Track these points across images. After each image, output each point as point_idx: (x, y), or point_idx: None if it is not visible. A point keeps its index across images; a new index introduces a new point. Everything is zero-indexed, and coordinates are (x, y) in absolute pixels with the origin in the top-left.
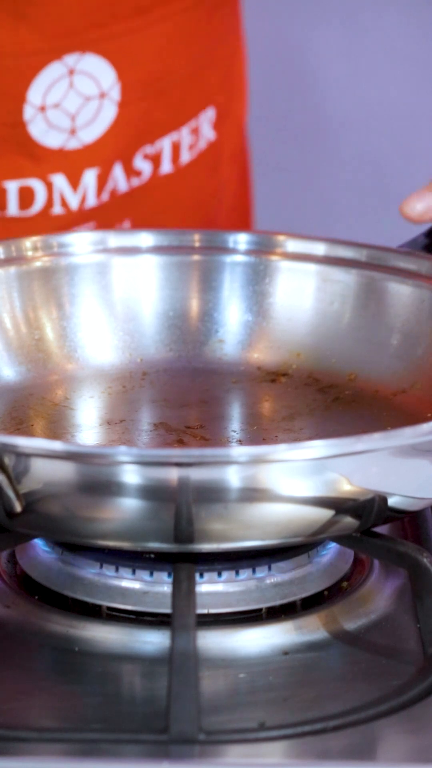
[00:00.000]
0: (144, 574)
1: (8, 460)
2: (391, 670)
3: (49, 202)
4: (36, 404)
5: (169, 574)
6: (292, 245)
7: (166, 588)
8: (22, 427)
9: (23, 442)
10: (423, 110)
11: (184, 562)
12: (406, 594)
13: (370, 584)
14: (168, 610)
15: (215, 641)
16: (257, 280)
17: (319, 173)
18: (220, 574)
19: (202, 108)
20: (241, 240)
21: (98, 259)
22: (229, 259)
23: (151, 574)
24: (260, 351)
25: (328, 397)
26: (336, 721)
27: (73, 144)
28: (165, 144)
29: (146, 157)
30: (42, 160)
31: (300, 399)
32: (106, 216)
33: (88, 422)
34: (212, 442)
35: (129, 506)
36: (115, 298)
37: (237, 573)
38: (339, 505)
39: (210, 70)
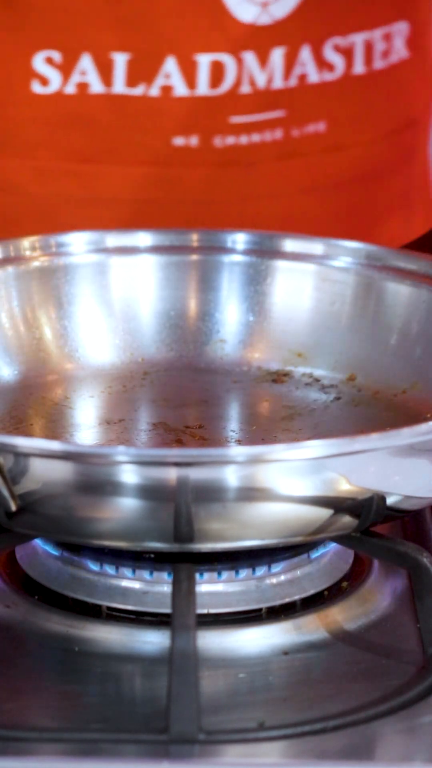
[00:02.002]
0: (144, 574)
1: (4, 460)
2: (391, 670)
3: (238, 80)
4: (36, 403)
5: (169, 574)
6: (292, 245)
7: (166, 588)
8: (22, 426)
9: (22, 441)
10: None
11: (184, 562)
12: (406, 594)
13: (370, 584)
14: (168, 610)
15: (215, 641)
16: (257, 280)
17: None
18: (219, 574)
19: (394, 18)
20: (239, 240)
21: (97, 259)
22: (229, 259)
23: (151, 574)
24: (260, 351)
25: (328, 397)
26: (336, 721)
27: (263, 19)
28: (357, 40)
29: (337, 49)
30: (234, 36)
31: (300, 399)
32: (297, 108)
33: (87, 422)
34: (211, 442)
35: (128, 506)
36: (114, 297)
37: (237, 573)
38: (338, 504)
39: None
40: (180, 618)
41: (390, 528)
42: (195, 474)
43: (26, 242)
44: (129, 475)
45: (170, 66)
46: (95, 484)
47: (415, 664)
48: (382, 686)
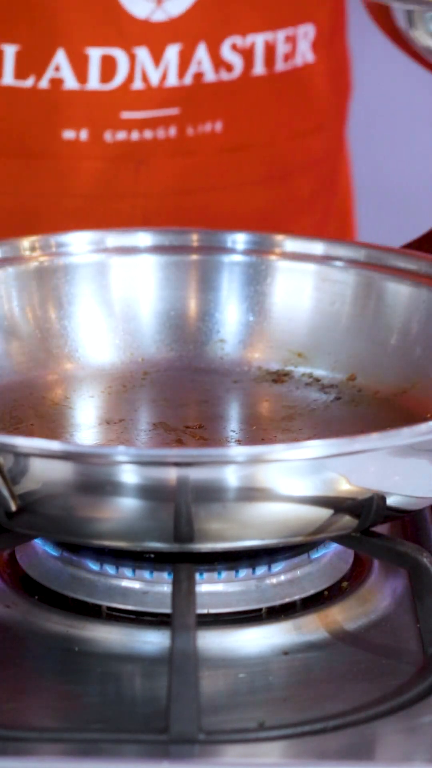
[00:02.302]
0: (144, 574)
1: (4, 460)
2: (391, 670)
3: (131, 76)
4: (36, 403)
5: (169, 574)
6: (291, 245)
7: (166, 588)
8: (22, 426)
9: (22, 441)
10: (424, 109)
11: (184, 562)
12: (406, 594)
13: (370, 584)
14: (168, 610)
15: (215, 641)
16: (257, 280)
17: None
18: (219, 574)
19: (299, 20)
20: (239, 240)
21: (97, 259)
22: (229, 259)
23: (151, 574)
24: (260, 351)
25: (328, 397)
26: (336, 721)
27: (158, 16)
28: (258, 41)
29: (236, 49)
30: (127, 31)
31: (300, 399)
32: (192, 106)
33: (87, 421)
34: (211, 441)
35: (128, 506)
36: (114, 297)
37: (237, 573)
38: (338, 504)
39: None
40: (180, 618)
41: (390, 528)
42: (195, 474)
43: (26, 242)
44: (129, 475)
45: (60, 59)
46: (95, 484)
47: (415, 664)
48: (382, 686)
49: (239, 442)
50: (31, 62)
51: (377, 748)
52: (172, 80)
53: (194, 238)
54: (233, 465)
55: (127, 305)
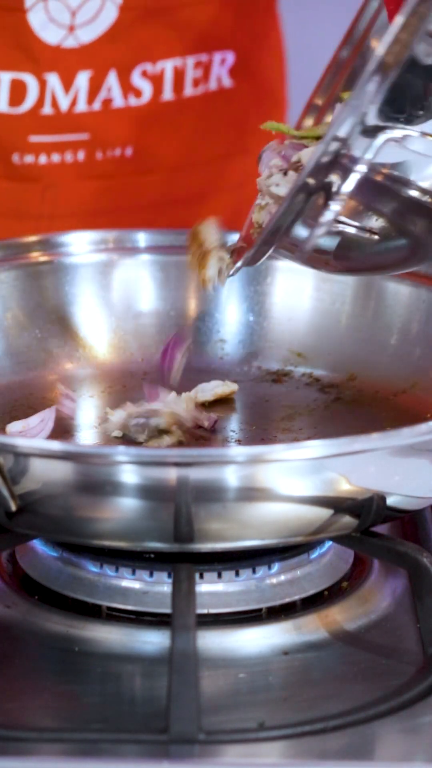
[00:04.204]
0: (144, 574)
1: (4, 460)
2: (391, 670)
3: (41, 101)
4: (36, 403)
5: (169, 574)
6: None
7: (166, 588)
8: None
9: (22, 441)
10: None
11: (184, 562)
12: (406, 594)
13: (370, 584)
14: (168, 610)
15: (215, 641)
16: (257, 280)
17: None
18: (220, 575)
19: (216, 46)
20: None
21: (97, 259)
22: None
23: (151, 574)
24: (260, 351)
25: (328, 397)
26: (336, 721)
27: (70, 43)
28: (167, 67)
29: (145, 75)
30: (38, 57)
31: (300, 399)
32: (103, 131)
33: (87, 421)
34: (211, 442)
35: (128, 506)
36: (114, 297)
37: (237, 573)
38: (338, 504)
39: (227, 8)
40: (180, 618)
41: (390, 528)
42: (195, 474)
43: (26, 242)
44: (129, 475)
45: None
46: (95, 484)
47: (415, 664)
48: (382, 686)
49: (239, 442)
50: None
51: (377, 748)
52: (82, 106)
53: None
54: (233, 465)
55: (127, 305)
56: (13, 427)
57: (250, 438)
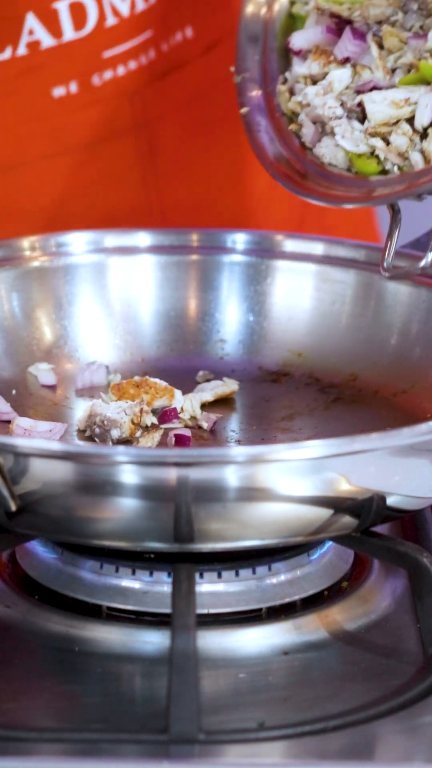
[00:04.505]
0: (144, 574)
1: (4, 460)
2: (391, 670)
3: (102, 15)
4: (36, 403)
5: (169, 574)
6: (292, 245)
7: (166, 588)
8: None
9: (22, 441)
10: None
11: (184, 562)
12: (406, 594)
13: (370, 584)
14: (168, 610)
15: (215, 641)
16: (258, 280)
17: None
18: (220, 575)
19: None
20: (239, 240)
21: (97, 259)
22: (229, 259)
23: (151, 574)
24: (260, 351)
25: (328, 397)
26: (336, 721)
27: None
28: None
29: None
30: None
31: (300, 399)
32: (163, 23)
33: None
34: (211, 441)
35: (128, 506)
36: (114, 297)
37: (237, 573)
38: (338, 504)
39: None
40: (180, 618)
41: (390, 528)
42: (195, 474)
43: (26, 242)
44: (129, 475)
45: (32, 22)
46: (95, 484)
47: (415, 664)
48: (382, 686)
49: (239, 442)
50: (3, 35)
51: (377, 748)
52: (140, 5)
53: (194, 238)
54: (233, 465)
55: (127, 305)
56: (22, 422)
57: (250, 438)
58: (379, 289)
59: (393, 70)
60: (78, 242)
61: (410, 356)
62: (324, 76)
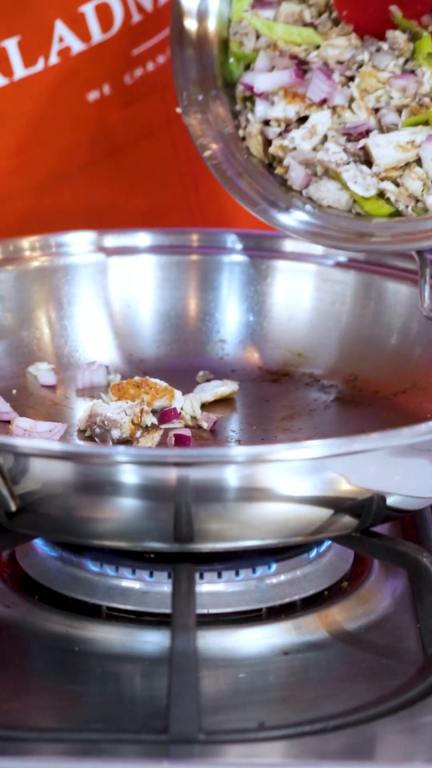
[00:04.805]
0: (144, 574)
1: (4, 460)
2: (391, 670)
3: (127, 13)
4: (36, 403)
5: (169, 574)
6: (292, 245)
7: (166, 588)
8: None
9: (22, 442)
10: None
11: (184, 562)
12: (406, 594)
13: (370, 584)
14: (168, 610)
15: (215, 641)
16: (258, 280)
17: None
18: (220, 575)
19: None
20: (239, 240)
21: (97, 259)
22: (229, 259)
23: (151, 574)
24: (260, 351)
25: (328, 397)
26: (336, 721)
27: None
28: None
29: None
30: None
31: (300, 399)
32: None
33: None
34: (211, 441)
35: (128, 506)
36: (114, 297)
37: (237, 573)
38: (338, 504)
39: None
40: (180, 618)
41: (390, 528)
42: (195, 474)
43: (26, 242)
44: (129, 475)
45: (61, 29)
46: (95, 484)
47: (415, 664)
48: (382, 686)
49: (239, 442)
50: (35, 46)
51: (377, 748)
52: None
53: (194, 238)
54: (233, 465)
55: (127, 305)
56: (22, 422)
57: (250, 438)
58: (379, 289)
59: (375, 110)
60: (78, 242)
61: (410, 356)
62: (293, 118)
